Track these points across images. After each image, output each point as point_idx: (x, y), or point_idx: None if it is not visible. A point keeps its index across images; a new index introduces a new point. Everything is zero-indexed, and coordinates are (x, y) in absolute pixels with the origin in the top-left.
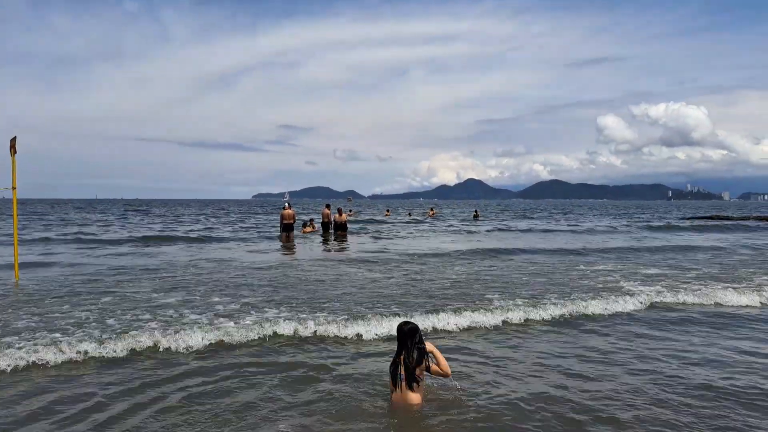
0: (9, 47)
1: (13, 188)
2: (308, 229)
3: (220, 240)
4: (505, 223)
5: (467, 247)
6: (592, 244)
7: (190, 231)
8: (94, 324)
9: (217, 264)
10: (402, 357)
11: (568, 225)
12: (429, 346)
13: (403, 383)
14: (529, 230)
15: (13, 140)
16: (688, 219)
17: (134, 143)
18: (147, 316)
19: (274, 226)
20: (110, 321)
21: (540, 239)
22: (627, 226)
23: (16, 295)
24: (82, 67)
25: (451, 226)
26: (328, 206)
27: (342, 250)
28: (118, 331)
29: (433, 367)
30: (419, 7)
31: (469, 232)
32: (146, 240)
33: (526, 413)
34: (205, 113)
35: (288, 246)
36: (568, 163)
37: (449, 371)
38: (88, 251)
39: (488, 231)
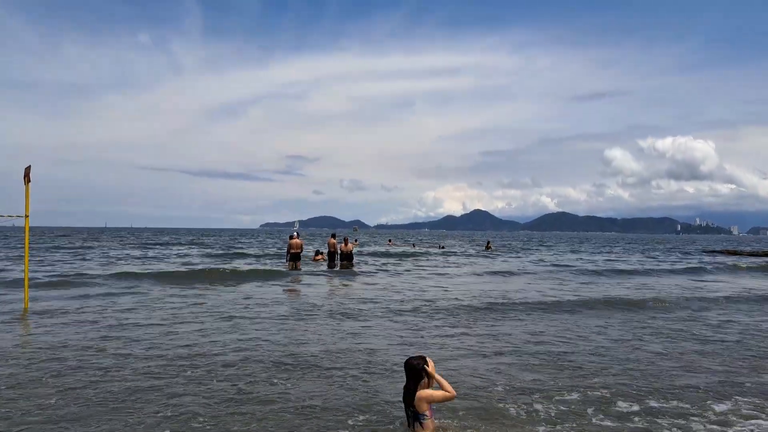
0: (20, 75)
1: (26, 216)
2: (318, 258)
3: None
4: (534, 256)
5: (574, 295)
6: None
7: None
8: None
9: None
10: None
11: (636, 261)
12: (426, 396)
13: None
14: (597, 270)
15: (28, 169)
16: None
17: (142, 172)
18: None
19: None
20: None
21: (646, 281)
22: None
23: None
24: (92, 96)
25: (471, 258)
26: (333, 236)
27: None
28: None
29: (437, 396)
30: (425, 41)
31: (509, 273)
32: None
33: None
34: (213, 143)
35: (296, 277)
36: (575, 195)
37: (451, 393)
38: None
39: (548, 270)
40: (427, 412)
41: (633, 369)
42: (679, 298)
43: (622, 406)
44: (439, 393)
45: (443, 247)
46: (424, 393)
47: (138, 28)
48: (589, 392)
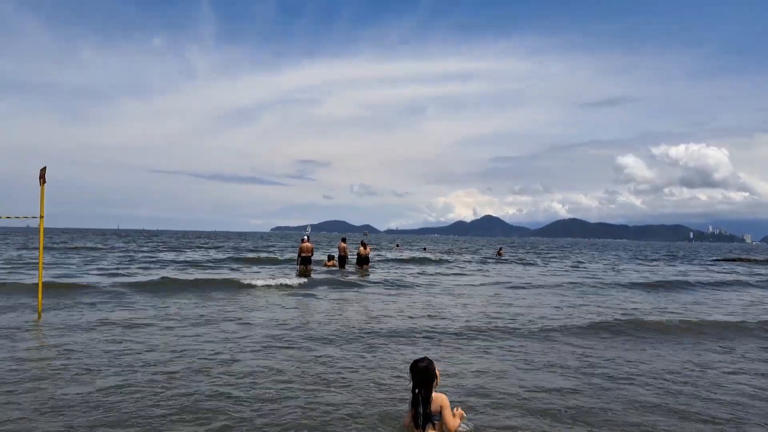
0: (36, 79)
1: (41, 217)
2: (330, 263)
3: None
4: (557, 263)
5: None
6: None
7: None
8: None
9: None
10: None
11: (696, 272)
12: (441, 401)
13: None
14: (652, 282)
15: (43, 170)
16: None
17: (154, 175)
18: None
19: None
20: None
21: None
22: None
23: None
24: (106, 99)
25: (503, 266)
26: (344, 240)
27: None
28: None
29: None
30: (437, 47)
31: (574, 284)
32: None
33: None
34: (225, 147)
35: (307, 276)
36: (586, 202)
37: (454, 428)
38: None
39: (583, 280)
40: (445, 413)
41: None
42: None
43: None
44: (451, 420)
45: (425, 249)
46: (443, 396)
47: (152, 32)
48: None
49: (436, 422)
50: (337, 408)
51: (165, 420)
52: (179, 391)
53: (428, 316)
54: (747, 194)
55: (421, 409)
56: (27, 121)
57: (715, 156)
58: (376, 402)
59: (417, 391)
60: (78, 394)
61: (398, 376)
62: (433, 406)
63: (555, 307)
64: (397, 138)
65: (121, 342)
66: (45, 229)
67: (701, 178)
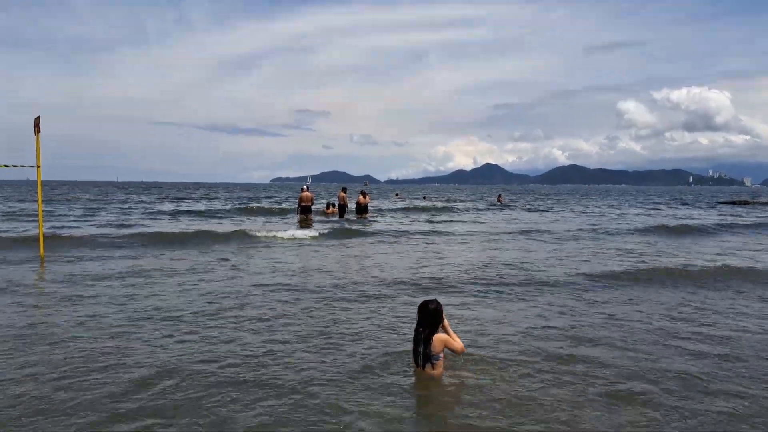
0: (31, 31)
1: (38, 166)
2: (330, 210)
3: None
4: (559, 209)
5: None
6: None
7: None
8: None
9: None
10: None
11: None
12: (443, 340)
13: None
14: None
15: (37, 119)
16: None
17: (152, 127)
18: None
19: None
20: None
21: None
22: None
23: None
24: (102, 51)
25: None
26: (344, 189)
27: None
28: None
29: (455, 345)
30: None
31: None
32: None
33: None
34: (222, 98)
35: (307, 226)
36: (587, 148)
37: (459, 349)
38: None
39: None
40: (441, 354)
41: None
42: None
43: None
44: (456, 343)
45: (425, 198)
46: (443, 336)
47: None
48: None
49: (435, 362)
50: (347, 349)
51: (172, 361)
52: (189, 337)
53: (429, 264)
54: (748, 137)
55: (421, 348)
56: (24, 76)
57: (718, 99)
58: (387, 342)
59: (420, 329)
60: (85, 337)
61: (404, 322)
62: (434, 347)
63: (548, 253)
64: (397, 86)
65: (127, 292)
66: (44, 181)
67: (703, 121)
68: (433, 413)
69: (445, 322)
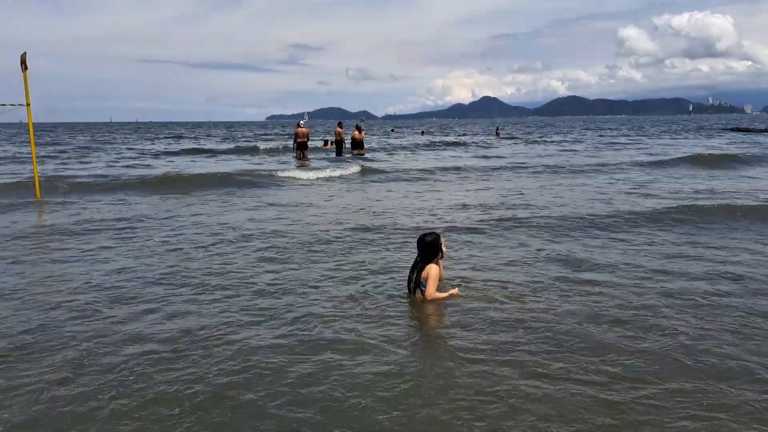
0: None
1: (27, 104)
2: (327, 146)
3: None
4: (551, 140)
5: None
6: None
7: None
8: None
9: None
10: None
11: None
12: (431, 271)
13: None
14: None
15: (23, 56)
16: None
17: (142, 65)
18: None
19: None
20: None
21: None
22: None
23: None
24: None
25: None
26: (340, 124)
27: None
28: None
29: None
30: None
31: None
32: None
33: None
34: (213, 33)
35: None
36: (586, 79)
37: (429, 296)
38: None
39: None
40: (429, 281)
41: None
42: None
43: None
44: (429, 287)
45: (423, 133)
46: (433, 270)
47: None
48: None
49: (424, 289)
50: (355, 282)
51: (178, 298)
52: (195, 272)
53: (428, 202)
54: (750, 63)
55: (414, 276)
56: (7, 15)
57: (720, 24)
58: (390, 268)
59: (418, 259)
60: (84, 274)
61: (407, 257)
62: (424, 274)
63: (539, 187)
64: (393, 18)
65: (129, 234)
66: (35, 123)
67: (704, 48)
68: (424, 334)
69: (440, 260)
